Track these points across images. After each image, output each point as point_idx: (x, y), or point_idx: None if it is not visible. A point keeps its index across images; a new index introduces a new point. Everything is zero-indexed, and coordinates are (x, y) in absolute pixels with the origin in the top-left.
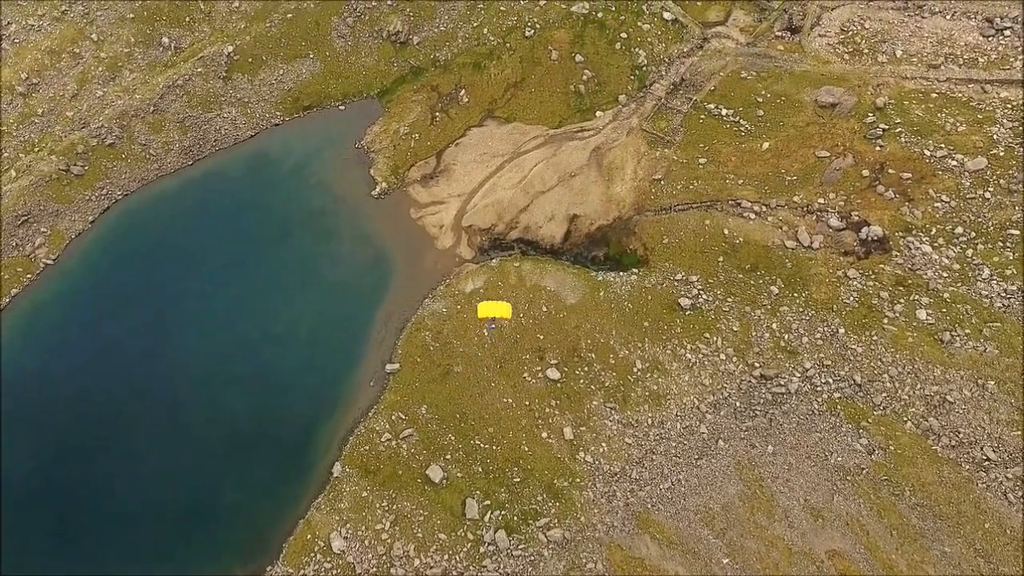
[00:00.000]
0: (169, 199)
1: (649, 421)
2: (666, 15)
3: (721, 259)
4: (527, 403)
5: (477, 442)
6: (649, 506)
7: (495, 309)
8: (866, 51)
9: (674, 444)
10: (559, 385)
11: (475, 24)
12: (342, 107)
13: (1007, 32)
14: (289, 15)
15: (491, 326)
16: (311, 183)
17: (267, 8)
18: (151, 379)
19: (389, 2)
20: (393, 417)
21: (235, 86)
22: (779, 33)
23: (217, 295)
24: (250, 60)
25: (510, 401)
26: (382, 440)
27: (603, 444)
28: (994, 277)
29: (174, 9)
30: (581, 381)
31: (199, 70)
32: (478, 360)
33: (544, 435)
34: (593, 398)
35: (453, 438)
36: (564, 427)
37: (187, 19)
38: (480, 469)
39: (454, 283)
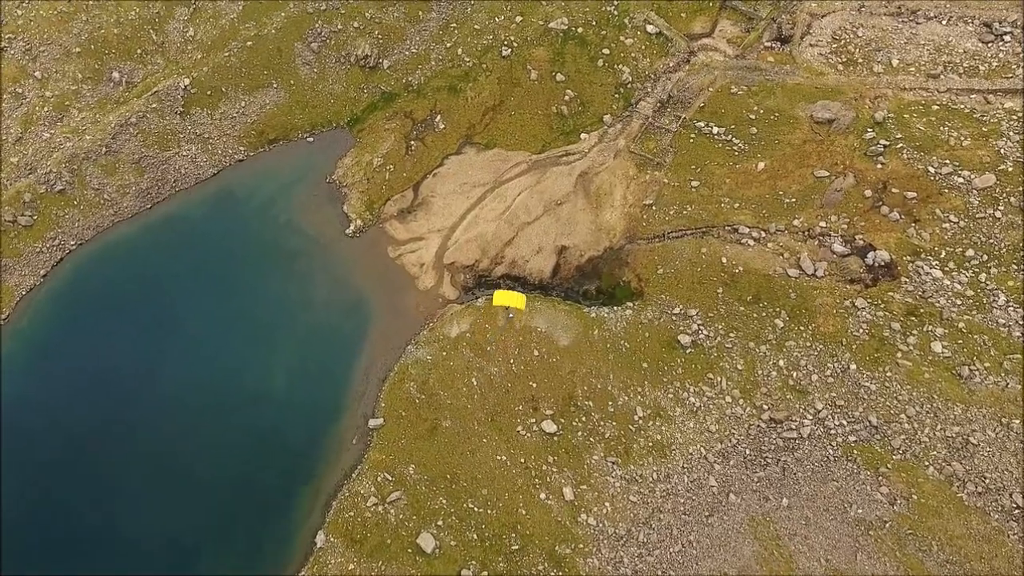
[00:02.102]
0: (128, 247)
1: (654, 475)
2: (649, 28)
3: (720, 290)
4: (522, 460)
5: (471, 505)
6: (659, 573)
7: (510, 299)
8: (860, 60)
9: (682, 500)
10: (556, 439)
11: (449, 45)
12: (310, 139)
13: (1007, 38)
14: (249, 43)
15: (510, 315)
16: (280, 223)
17: (225, 36)
18: (112, 446)
19: (356, 24)
20: (379, 478)
21: (194, 121)
22: (768, 44)
23: (183, 350)
24: (209, 93)
25: (504, 458)
26: (368, 505)
27: (606, 504)
28: (1011, 304)
29: (123, 41)
30: (579, 433)
31: (154, 106)
32: (468, 413)
33: (542, 496)
34: (593, 452)
35: (445, 501)
36: (564, 486)
37: (138, 51)
38: (475, 536)
39: (438, 327)
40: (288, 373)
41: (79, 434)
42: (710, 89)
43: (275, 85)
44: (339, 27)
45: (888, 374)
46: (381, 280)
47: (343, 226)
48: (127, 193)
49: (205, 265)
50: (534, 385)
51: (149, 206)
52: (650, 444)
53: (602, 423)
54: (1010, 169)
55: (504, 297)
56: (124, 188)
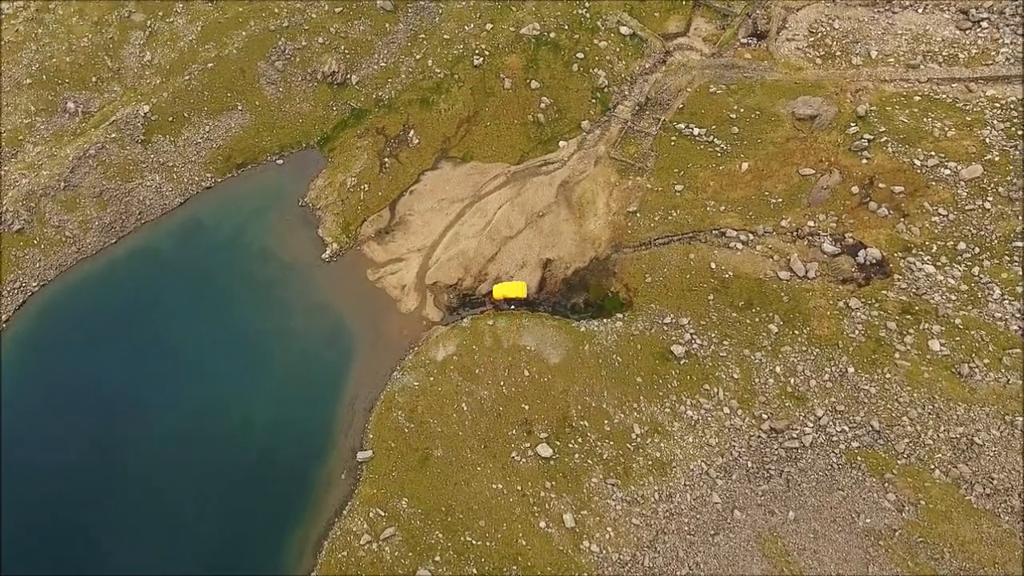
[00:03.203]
0: (93, 285)
1: (656, 496)
2: (623, 30)
3: (711, 297)
4: (519, 488)
5: (468, 538)
6: None
7: (510, 289)
8: (838, 53)
9: (686, 520)
10: (552, 463)
11: (418, 56)
12: (280, 161)
13: (984, 24)
14: (210, 64)
15: (512, 307)
16: (253, 250)
17: (184, 59)
18: (88, 495)
19: (321, 40)
20: (371, 514)
21: (156, 149)
22: (745, 40)
23: (158, 389)
24: (170, 119)
25: (500, 487)
26: (361, 543)
27: (608, 529)
28: (1006, 296)
29: (77, 69)
30: (576, 456)
31: (113, 136)
32: (460, 440)
33: (542, 524)
34: (592, 474)
35: (441, 535)
36: (564, 513)
37: (93, 79)
38: (474, 570)
39: (423, 351)
40: (269, 409)
41: (58, 474)
42: (688, 89)
43: (240, 107)
44: (303, 43)
45: (887, 376)
46: (362, 305)
47: (319, 250)
48: (90, 229)
49: (176, 300)
50: (527, 407)
51: (114, 241)
52: (650, 462)
53: (599, 443)
54: (997, 158)
55: (504, 289)
56: (86, 224)
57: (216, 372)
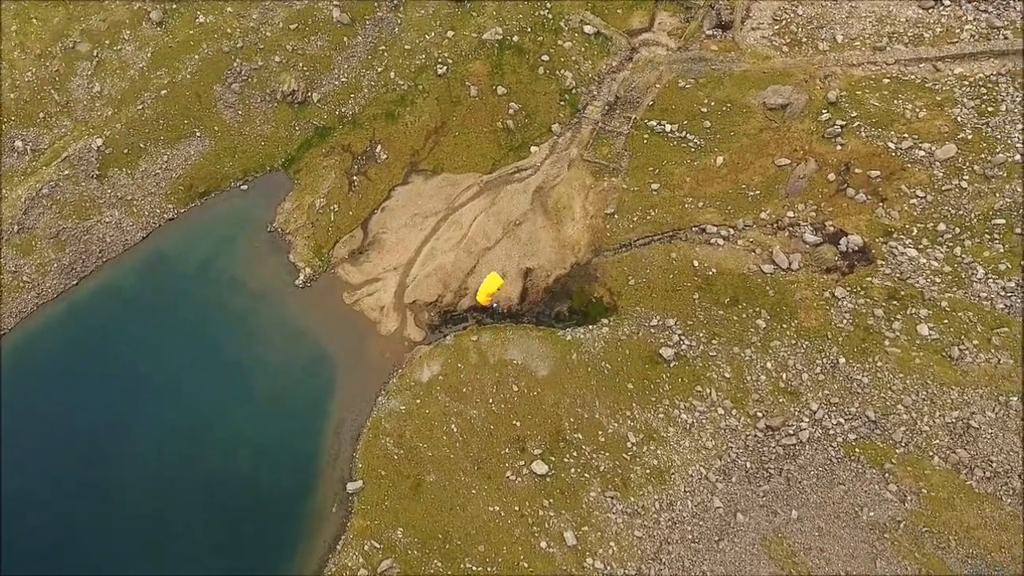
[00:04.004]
0: (56, 330)
1: (657, 505)
2: (587, 29)
3: (696, 296)
4: (517, 508)
5: (468, 565)
6: None
7: (489, 286)
8: (804, 40)
9: (689, 528)
10: (549, 480)
11: (380, 69)
12: (244, 186)
13: (947, 1)
14: (163, 91)
15: (495, 305)
16: (224, 281)
17: (136, 87)
18: (67, 539)
19: (278, 59)
20: (366, 547)
21: (113, 184)
22: (710, 32)
23: (135, 431)
24: (126, 151)
25: (498, 509)
26: None
27: (611, 544)
28: (989, 275)
29: (23, 105)
30: (572, 470)
31: (66, 172)
32: (452, 463)
33: (543, 544)
34: (590, 488)
35: (440, 564)
36: (564, 530)
37: (41, 115)
38: None
39: (408, 372)
40: (252, 444)
41: (31, 536)
42: (657, 86)
43: (198, 133)
44: (260, 63)
45: (879, 364)
46: (340, 330)
47: (292, 276)
48: (48, 271)
49: (146, 338)
50: (518, 424)
51: (75, 282)
52: (648, 471)
53: (594, 456)
54: (970, 137)
55: (484, 288)
56: (44, 266)
57: (194, 409)
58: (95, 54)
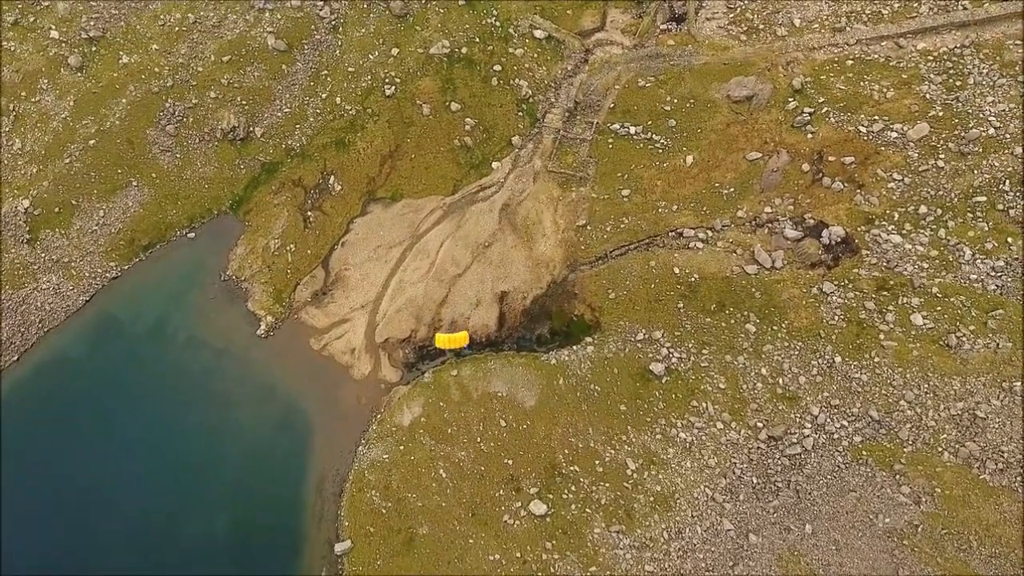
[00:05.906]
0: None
1: (665, 535)
2: (537, 33)
3: (681, 304)
4: (518, 554)
5: None
6: None
7: (452, 341)
8: (762, 27)
9: (702, 556)
10: (549, 519)
11: (324, 95)
12: (192, 234)
13: None
14: (91, 141)
15: (459, 353)
16: (180, 341)
17: (60, 140)
18: None
19: (213, 95)
20: None
21: (47, 247)
22: (664, 27)
23: (101, 516)
24: (57, 210)
25: (498, 557)
26: None
27: None
28: (977, 256)
29: None
30: (573, 507)
31: None
32: (444, 512)
33: None
34: (593, 524)
35: None
36: (571, 574)
37: None
38: None
39: (387, 417)
40: (230, 513)
41: None
42: (616, 87)
43: (135, 183)
44: (194, 101)
45: (876, 359)
46: (311, 379)
47: (253, 327)
48: None
49: (101, 412)
50: (510, 462)
51: (16, 358)
52: (651, 499)
53: (594, 488)
54: (940, 114)
55: (446, 340)
56: None
57: (162, 484)
58: (11, 108)
